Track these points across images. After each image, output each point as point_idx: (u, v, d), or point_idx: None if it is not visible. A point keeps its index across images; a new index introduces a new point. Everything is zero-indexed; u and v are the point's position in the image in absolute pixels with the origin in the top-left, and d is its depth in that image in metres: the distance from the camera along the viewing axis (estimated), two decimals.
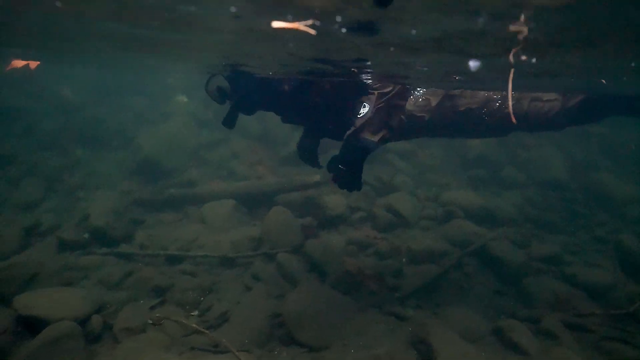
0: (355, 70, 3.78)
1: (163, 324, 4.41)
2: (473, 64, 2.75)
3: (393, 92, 3.78)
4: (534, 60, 2.56)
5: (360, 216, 7.13)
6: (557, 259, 6.34)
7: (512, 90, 4.53)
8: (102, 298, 4.73)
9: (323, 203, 6.97)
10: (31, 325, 3.93)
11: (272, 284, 5.25)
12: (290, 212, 6.43)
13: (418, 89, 4.62)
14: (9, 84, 12.38)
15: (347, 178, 4.00)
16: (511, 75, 2.79)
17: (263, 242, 6.07)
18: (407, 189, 8.10)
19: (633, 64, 2.87)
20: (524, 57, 2.51)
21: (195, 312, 4.79)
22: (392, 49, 2.64)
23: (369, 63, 3.33)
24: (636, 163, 9.46)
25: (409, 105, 4.24)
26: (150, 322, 4.45)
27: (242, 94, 4.17)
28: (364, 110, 3.82)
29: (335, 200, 7.14)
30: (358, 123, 3.77)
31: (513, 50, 2.36)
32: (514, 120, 4.44)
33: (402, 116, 3.93)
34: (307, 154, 4.85)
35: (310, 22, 1.99)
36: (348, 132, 3.81)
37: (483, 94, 4.49)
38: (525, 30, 1.90)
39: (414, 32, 2.17)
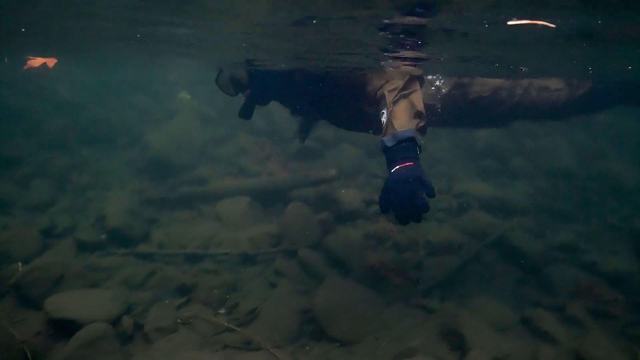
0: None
1: (193, 323, 4.40)
2: None
3: (403, 83, 3.48)
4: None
5: (375, 209, 7.12)
6: (573, 247, 6.39)
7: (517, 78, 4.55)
8: (129, 299, 4.71)
9: (338, 198, 6.97)
10: (64, 328, 3.90)
11: (296, 280, 5.25)
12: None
13: (433, 76, 4.61)
14: (6, 84, 12.24)
15: (403, 201, 2.93)
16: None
17: (282, 238, 6.06)
18: None
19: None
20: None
21: (223, 310, 4.79)
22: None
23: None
24: None
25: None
26: (180, 321, 4.44)
27: (262, 84, 4.14)
28: (384, 117, 3.39)
29: (351, 194, 7.14)
30: (384, 130, 3.31)
31: None
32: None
33: (424, 101, 3.53)
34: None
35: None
36: (381, 139, 3.26)
37: (492, 81, 4.49)
38: None
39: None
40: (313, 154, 9.34)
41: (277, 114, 10.31)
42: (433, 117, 4.23)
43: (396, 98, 3.36)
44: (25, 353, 3.52)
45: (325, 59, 4.41)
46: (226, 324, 4.34)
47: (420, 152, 3.15)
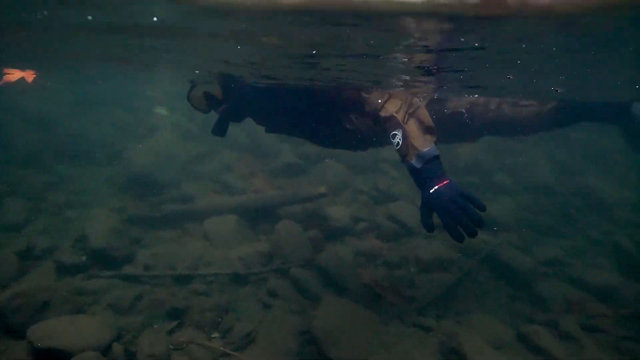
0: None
1: (186, 348, 4.23)
2: None
3: (406, 101, 3.53)
4: None
5: (363, 226, 7.10)
6: (559, 261, 6.52)
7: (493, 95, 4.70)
8: (118, 324, 4.49)
9: (327, 214, 6.92)
10: (50, 358, 3.67)
11: (290, 300, 5.14)
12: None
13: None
14: None
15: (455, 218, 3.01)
16: None
17: (273, 256, 5.94)
18: (406, 197, 8.15)
19: None
20: None
21: (216, 334, 4.62)
22: None
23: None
24: (619, 166, 9.89)
25: None
26: (172, 347, 4.26)
27: (235, 101, 4.03)
28: (398, 139, 3.39)
29: (339, 211, 7.11)
30: (404, 152, 3.32)
31: None
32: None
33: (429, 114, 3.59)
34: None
35: None
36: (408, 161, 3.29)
37: (466, 98, 4.59)
38: None
39: None
40: (297, 170, 9.28)
41: (260, 130, 10.22)
42: None
43: (406, 118, 3.36)
44: None
45: (327, 81, 4.39)
46: (222, 348, 4.19)
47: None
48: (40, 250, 5.84)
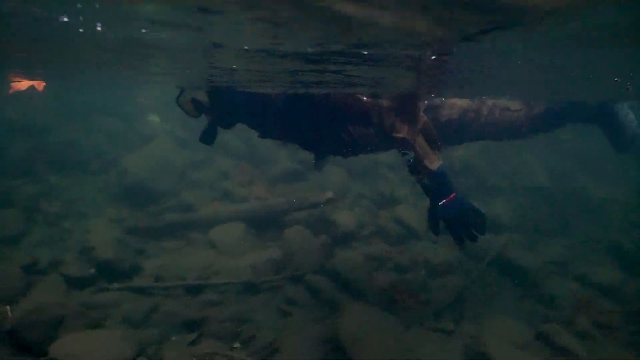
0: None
1: None
2: None
3: (412, 119, 3.70)
4: None
5: (369, 231, 7.12)
6: (563, 261, 6.66)
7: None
8: (135, 338, 4.36)
9: (333, 220, 6.90)
10: None
11: (308, 307, 5.10)
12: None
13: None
14: None
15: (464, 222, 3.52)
16: None
17: (285, 264, 5.89)
18: (408, 200, 8.21)
19: None
20: None
21: (238, 344, 4.54)
22: None
23: None
24: (608, 167, 10.19)
25: None
26: (196, 359, 4.16)
27: (224, 107, 3.97)
28: (409, 157, 3.59)
29: (345, 216, 7.10)
30: (416, 171, 3.58)
31: None
32: None
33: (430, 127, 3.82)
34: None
35: None
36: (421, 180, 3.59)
37: (460, 103, 4.68)
38: None
39: None
40: (296, 176, 9.24)
41: (255, 136, 10.15)
42: None
43: (415, 136, 3.57)
44: None
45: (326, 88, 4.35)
46: (248, 359, 4.11)
47: None
48: (44, 264, 5.65)
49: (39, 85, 6.98)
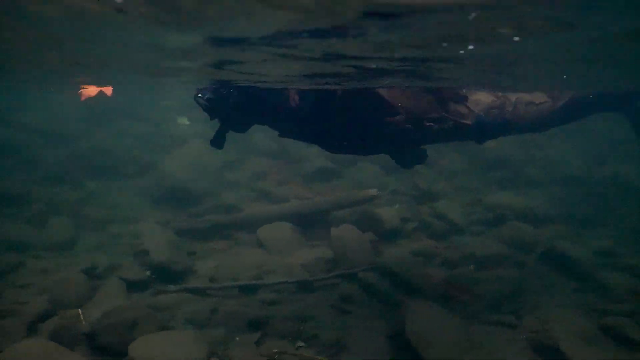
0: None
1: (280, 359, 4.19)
2: None
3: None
4: None
5: (413, 227, 7.13)
6: (612, 251, 6.59)
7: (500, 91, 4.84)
8: (202, 338, 4.44)
9: (378, 217, 6.92)
10: None
11: (367, 305, 5.13)
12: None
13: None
14: None
15: None
16: None
17: (336, 262, 5.93)
18: (447, 194, 8.20)
19: None
20: None
21: (302, 343, 4.59)
22: None
23: None
24: None
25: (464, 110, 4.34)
26: (266, 359, 4.22)
27: (232, 109, 3.91)
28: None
29: (389, 213, 7.11)
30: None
31: None
32: None
33: None
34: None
35: None
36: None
37: (484, 99, 4.63)
38: None
39: None
40: (331, 173, 9.28)
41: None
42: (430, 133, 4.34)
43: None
44: None
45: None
46: (319, 358, 4.16)
47: None
48: (102, 268, 5.76)
49: (108, 90, 7.07)
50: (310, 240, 6.74)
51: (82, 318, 4.40)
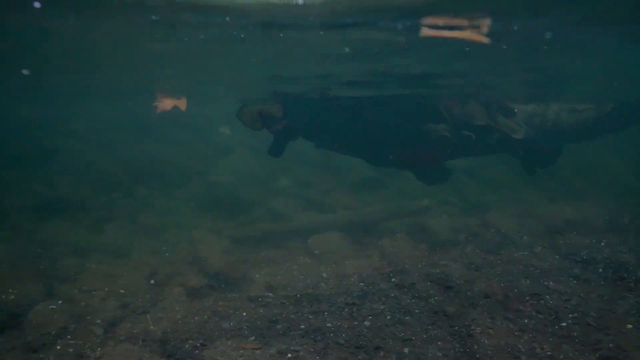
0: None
1: None
2: None
3: None
4: None
5: (464, 237, 7.05)
6: None
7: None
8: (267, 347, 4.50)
9: (430, 227, 6.88)
10: None
11: (427, 317, 5.09)
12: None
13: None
14: (39, 124, 12.06)
15: None
16: None
17: (392, 272, 5.91)
18: (497, 206, 8.08)
19: None
20: None
21: (364, 355, 4.58)
22: None
23: None
24: None
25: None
26: None
27: (297, 117, 3.97)
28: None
29: (439, 223, 7.07)
30: None
31: None
32: None
33: None
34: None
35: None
36: None
37: (524, 109, 4.54)
38: None
39: None
40: (376, 183, 9.28)
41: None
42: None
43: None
44: None
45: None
46: None
47: None
48: (163, 275, 5.92)
49: (182, 104, 7.32)
50: (362, 250, 6.75)
51: (150, 323, 4.52)
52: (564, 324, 4.95)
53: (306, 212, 8.10)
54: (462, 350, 4.35)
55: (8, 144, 10.46)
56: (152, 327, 4.52)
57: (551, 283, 5.92)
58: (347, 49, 3.15)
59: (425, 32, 2.84)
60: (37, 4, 2.15)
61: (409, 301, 5.38)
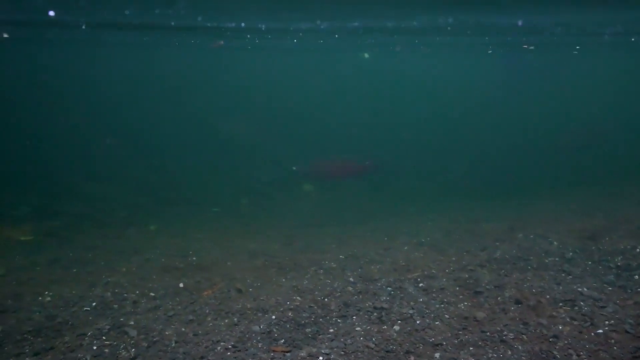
0: None
1: None
2: None
3: None
4: None
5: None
6: None
7: None
8: None
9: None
10: None
11: None
12: None
13: None
14: None
15: None
16: None
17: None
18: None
19: None
20: None
21: None
22: None
23: None
24: None
25: None
26: None
27: None
28: None
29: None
30: None
31: None
32: None
33: None
34: None
35: None
36: None
37: None
38: None
39: None
40: None
41: None
42: None
43: None
44: None
45: None
46: None
47: None
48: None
49: None
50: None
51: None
52: (600, 331, 4.82)
53: None
54: (494, 356, 4.28)
55: None
56: (183, 329, 4.59)
57: (585, 289, 5.78)
58: None
59: None
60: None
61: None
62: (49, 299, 5.50)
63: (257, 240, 8.55)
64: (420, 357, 4.12)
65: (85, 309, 5.15)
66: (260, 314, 4.93)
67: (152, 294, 5.54)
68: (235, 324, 4.70)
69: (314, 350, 4.19)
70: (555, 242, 6.99)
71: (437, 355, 4.16)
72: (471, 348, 4.26)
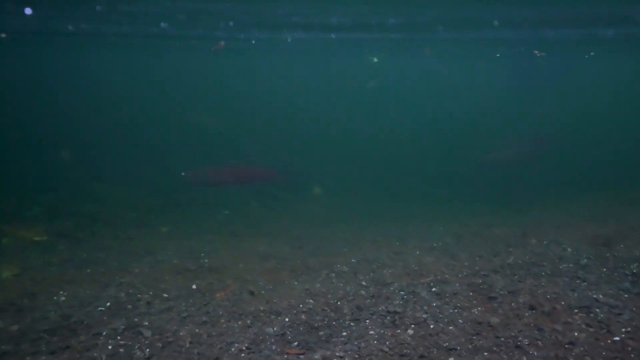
0: None
1: None
2: None
3: None
4: None
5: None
6: None
7: None
8: None
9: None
10: None
11: None
12: None
13: None
14: None
15: None
16: None
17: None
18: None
19: None
20: None
21: None
22: None
23: None
24: None
25: None
26: None
27: None
28: None
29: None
30: None
31: None
32: None
33: None
34: None
35: None
36: None
37: None
38: None
39: None
40: None
41: None
42: None
43: None
44: None
45: None
46: None
47: None
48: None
49: None
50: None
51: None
52: (617, 338, 4.77)
53: None
54: None
55: None
56: (197, 330, 4.61)
57: (600, 296, 5.72)
58: None
59: None
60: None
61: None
62: (63, 298, 5.55)
63: (267, 242, 8.57)
64: None
65: (99, 308, 5.19)
66: (273, 317, 4.93)
67: (165, 295, 5.58)
68: (249, 326, 4.72)
69: (328, 353, 4.19)
70: (569, 249, 6.93)
71: (451, 359, 4.14)
72: (485, 353, 4.23)
